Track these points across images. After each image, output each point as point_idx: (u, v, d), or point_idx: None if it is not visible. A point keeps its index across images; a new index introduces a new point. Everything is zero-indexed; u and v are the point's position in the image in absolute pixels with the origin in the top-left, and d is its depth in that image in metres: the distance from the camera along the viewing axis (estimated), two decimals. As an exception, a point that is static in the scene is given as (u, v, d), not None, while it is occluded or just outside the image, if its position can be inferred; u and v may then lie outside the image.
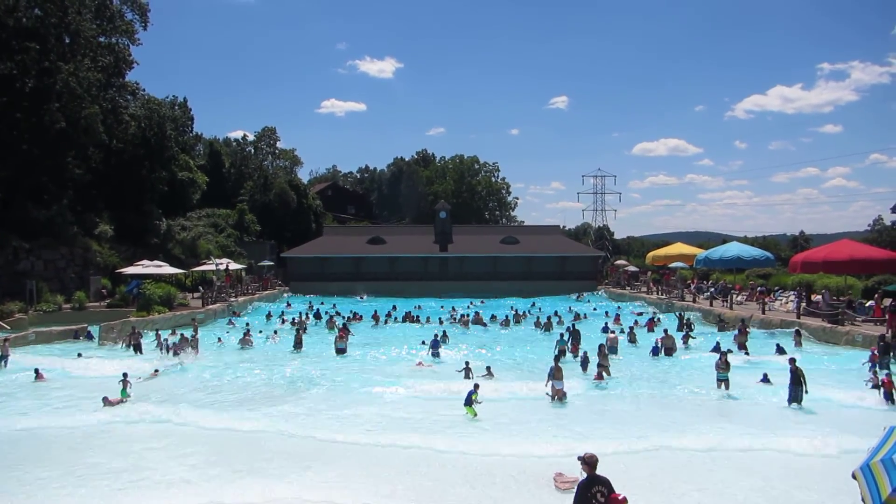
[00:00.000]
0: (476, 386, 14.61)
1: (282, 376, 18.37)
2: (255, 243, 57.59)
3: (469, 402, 14.22)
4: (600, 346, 19.78)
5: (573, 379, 17.05)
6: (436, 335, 24.69)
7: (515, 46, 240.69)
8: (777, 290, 36.43)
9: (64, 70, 35.08)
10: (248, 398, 16.13)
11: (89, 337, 26.21)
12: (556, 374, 16.20)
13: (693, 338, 25.22)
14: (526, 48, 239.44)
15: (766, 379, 17.85)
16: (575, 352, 22.87)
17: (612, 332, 26.20)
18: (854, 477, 5.81)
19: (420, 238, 56.70)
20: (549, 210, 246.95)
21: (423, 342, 24.54)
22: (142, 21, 42.75)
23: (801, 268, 28.73)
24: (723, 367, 16.69)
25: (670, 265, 44.52)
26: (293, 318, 33.42)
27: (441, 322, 31.69)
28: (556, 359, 17.55)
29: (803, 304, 28.29)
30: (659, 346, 22.82)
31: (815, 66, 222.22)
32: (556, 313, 34.69)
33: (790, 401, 14.96)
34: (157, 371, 19.46)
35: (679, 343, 24.03)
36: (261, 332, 28.88)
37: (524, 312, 35.79)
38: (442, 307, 38.27)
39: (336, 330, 27.68)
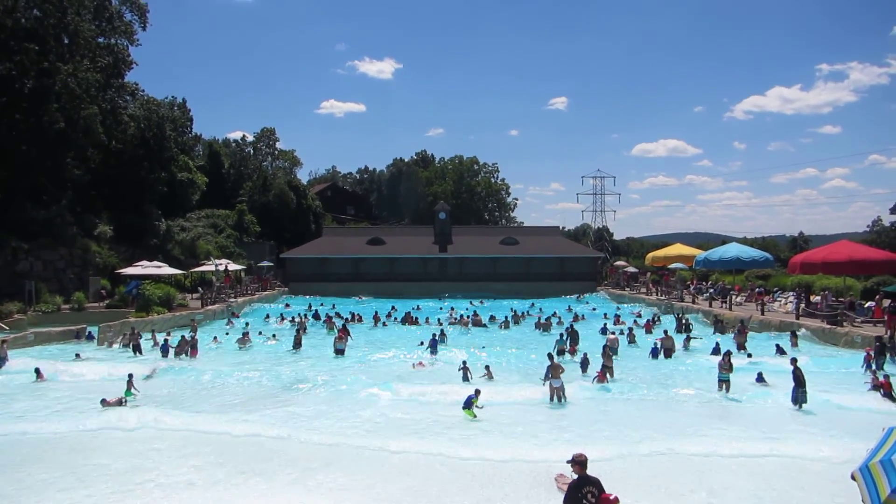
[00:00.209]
0: (477, 391, 14.57)
1: (281, 378, 18.34)
2: (255, 244, 57.59)
3: (469, 405, 14.21)
4: (604, 346, 19.72)
5: (574, 382, 16.99)
6: (434, 336, 24.75)
7: (515, 47, 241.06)
8: (776, 290, 36.46)
9: (63, 71, 35.08)
10: (247, 400, 16.09)
11: (90, 338, 26.18)
12: (553, 372, 16.18)
13: (696, 338, 25.12)
14: (525, 49, 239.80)
15: (760, 378, 17.90)
16: (573, 352, 22.89)
17: (613, 332, 26.18)
18: (853, 478, 5.81)
19: (419, 239, 56.70)
20: (548, 211, 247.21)
21: (422, 343, 24.60)
22: (141, 22, 42.77)
23: (800, 269, 28.74)
24: (726, 367, 16.65)
25: (670, 266, 44.55)
26: (292, 317, 33.58)
27: (440, 322, 31.70)
28: (551, 357, 17.57)
29: (802, 305, 28.31)
30: (658, 347, 22.75)
31: (814, 67, 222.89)
32: (555, 314, 34.70)
33: (794, 402, 14.90)
34: (154, 370, 19.41)
35: (679, 345, 23.97)
36: (260, 332, 28.89)
37: (523, 313, 35.79)
38: (441, 308, 38.26)
39: (335, 331, 27.69)
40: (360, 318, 33.43)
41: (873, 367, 18.62)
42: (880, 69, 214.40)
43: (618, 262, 59.70)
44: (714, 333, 27.61)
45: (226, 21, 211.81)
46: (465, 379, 18.14)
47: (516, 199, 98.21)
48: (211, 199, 57.69)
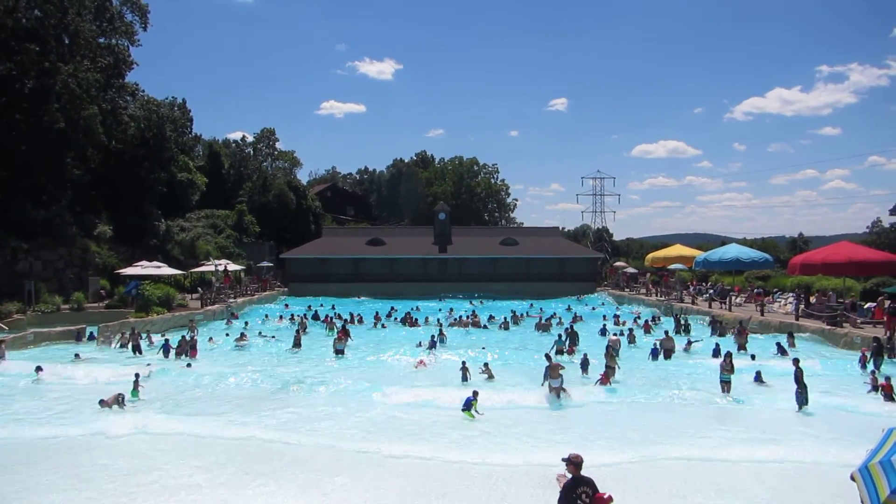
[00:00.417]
0: (475, 393, 14.58)
1: (281, 379, 18.31)
2: (254, 244, 57.59)
3: (468, 406, 14.22)
4: (607, 347, 19.66)
5: (575, 384, 16.96)
6: (433, 337, 24.80)
7: (515, 48, 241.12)
8: (776, 291, 36.48)
9: (63, 71, 35.07)
10: (247, 401, 16.03)
11: (91, 338, 26.16)
12: (552, 372, 16.17)
13: (696, 341, 25.03)
14: (525, 50, 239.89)
15: (758, 378, 17.93)
16: (571, 352, 22.88)
17: (615, 334, 26.08)
18: (852, 479, 5.81)
19: (419, 239, 56.70)
20: (548, 212, 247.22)
21: (420, 343, 24.66)
22: (141, 22, 42.76)
23: (799, 269, 28.74)
24: (727, 368, 16.63)
25: (669, 267, 44.54)
26: (291, 315, 33.56)
27: (439, 322, 31.75)
28: (549, 357, 17.57)
29: (802, 306, 28.32)
30: (658, 348, 22.71)
31: (813, 69, 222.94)
32: (554, 315, 34.70)
33: (798, 403, 14.86)
34: (149, 372, 19.31)
35: (680, 347, 23.90)
36: (261, 333, 28.90)
37: (522, 314, 35.81)
38: (440, 310, 38.26)
39: (335, 331, 27.72)
40: (361, 319, 33.45)
41: (871, 367, 18.65)
42: (880, 71, 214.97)
43: (617, 263, 59.68)
44: (712, 336, 27.55)
45: (226, 21, 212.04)
46: (465, 379, 18.16)
47: (516, 200, 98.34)
48: (211, 199, 57.68)
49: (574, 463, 7.03)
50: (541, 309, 38.03)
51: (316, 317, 34.47)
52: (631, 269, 53.43)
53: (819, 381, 16.97)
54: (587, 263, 55.35)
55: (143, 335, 25.49)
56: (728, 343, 23.67)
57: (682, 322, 29.74)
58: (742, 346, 23.62)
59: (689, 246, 51.18)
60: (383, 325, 31.77)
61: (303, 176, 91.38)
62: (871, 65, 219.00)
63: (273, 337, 27.73)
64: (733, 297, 34.33)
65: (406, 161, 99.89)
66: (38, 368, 18.73)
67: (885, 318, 22.70)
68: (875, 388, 16.38)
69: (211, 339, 26.28)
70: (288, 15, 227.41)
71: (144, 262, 35.12)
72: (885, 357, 19.75)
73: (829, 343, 24.02)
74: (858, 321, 24.79)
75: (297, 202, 65.39)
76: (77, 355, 22.05)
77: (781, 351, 22.47)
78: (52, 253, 34.95)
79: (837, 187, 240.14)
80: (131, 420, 13.63)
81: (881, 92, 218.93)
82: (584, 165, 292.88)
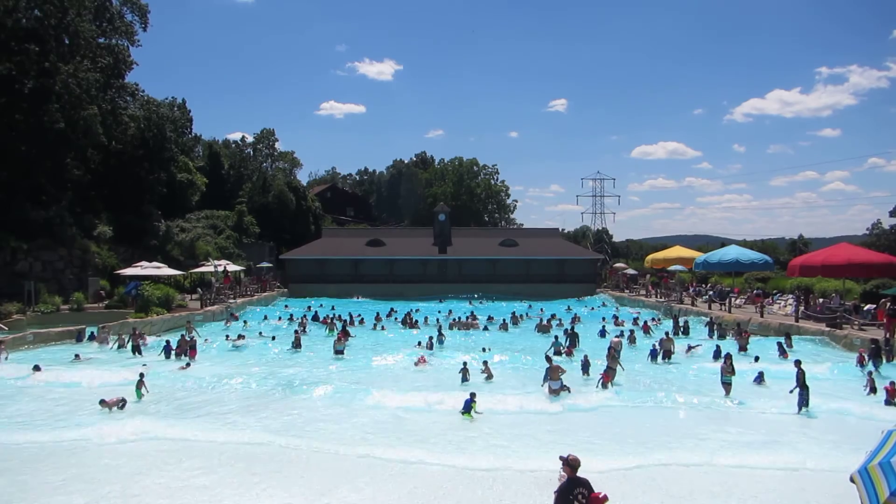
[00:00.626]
0: (473, 395, 14.59)
1: (281, 380, 18.29)
2: (254, 245, 57.64)
3: (468, 408, 14.24)
4: (609, 348, 19.67)
5: (576, 386, 16.94)
6: (430, 338, 24.93)
7: (515, 49, 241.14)
8: (776, 293, 36.50)
9: (63, 71, 35.11)
10: (247, 403, 15.95)
11: (91, 338, 26.15)
12: (552, 374, 16.17)
13: (698, 345, 24.95)
14: (525, 51, 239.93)
15: (760, 379, 17.94)
16: (570, 353, 22.85)
17: (617, 335, 25.98)
18: (852, 480, 5.81)
19: (419, 240, 56.73)
20: (548, 213, 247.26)
21: (420, 343, 24.75)
22: (141, 22, 42.84)
23: (799, 271, 28.78)
24: (728, 370, 16.64)
25: (669, 268, 44.57)
26: (290, 315, 33.52)
27: (438, 322, 31.78)
28: (549, 359, 17.48)
29: (801, 308, 28.34)
30: (657, 349, 22.71)
31: (813, 70, 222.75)
32: (553, 316, 34.70)
33: (800, 405, 14.87)
34: (144, 367, 19.28)
35: (681, 349, 23.85)
36: (261, 333, 28.91)
37: (522, 315, 35.81)
38: (439, 311, 38.26)
39: (335, 332, 27.69)
40: (363, 320, 33.47)
41: (869, 368, 18.65)
42: (880, 72, 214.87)
43: (617, 264, 59.74)
44: (711, 338, 27.49)
45: (226, 21, 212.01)
46: (465, 380, 18.17)
47: (516, 201, 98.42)
48: (210, 199, 57.74)
49: (570, 464, 6.99)
50: (541, 309, 38.01)
51: (316, 317, 34.48)
52: (631, 271, 53.49)
53: (820, 384, 16.96)
54: (587, 265, 55.38)
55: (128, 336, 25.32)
56: (728, 345, 23.66)
57: (682, 324, 29.73)
58: (743, 347, 23.62)
59: (688, 247, 51.29)
60: (383, 328, 31.78)
61: (302, 177, 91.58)
62: (871, 66, 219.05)
63: (273, 338, 27.72)
64: (733, 299, 34.35)
65: (406, 162, 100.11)
66: (36, 368, 18.71)
67: (885, 320, 22.70)
68: (873, 389, 16.42)
69: (206, 339, 26.23)
70: (288, 15, 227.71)
71: (144, 263, 35.14)
72: (884, 360, 19.77)
73: (829, 345, 24.01)
74: (858, 323, 24.80)
75: (296, 203, 65.44)
76: (77, 356, 22.05)
77: (782, 351, 22.48)
78: (51, 253, 34.97)
79: (837, 189, 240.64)
80: (132, 422, 13.60)
81: (881, 93, 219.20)
82: (583, 166, 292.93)
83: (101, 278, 35.47)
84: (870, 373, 17.73)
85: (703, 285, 43.48)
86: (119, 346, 24.42)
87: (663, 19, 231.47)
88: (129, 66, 42.55)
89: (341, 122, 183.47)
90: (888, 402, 15.21)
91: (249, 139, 77.06)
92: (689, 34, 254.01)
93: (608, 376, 17.63)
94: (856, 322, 24.81)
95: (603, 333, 28.46)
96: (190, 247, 47.11)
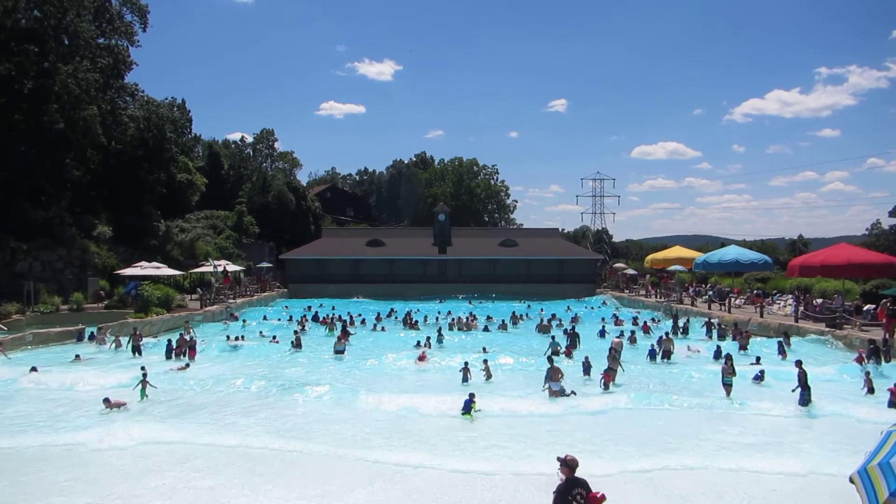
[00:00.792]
0: (472, 395, 14.60)
1: (281, 381, 18.28)
2: (254, 245, 57.64)
3: (468, 409, 14.26)
4: (610, 349, 19.64)
5: (576, 387, 16.91)
6: (428, 339, 25.01)
7: (514, 49, 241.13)
8: (775, 293, 36.51)
9: (63, 71, 35.11)
10: (247, 404, 15.91)
11: (92, 338, 26.14)
12: (552, 375, 16.15)
13: (698, 350, 24.90)
14: (525, 51, 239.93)
15: (759, 377, 17.97)
16: (569, 354, 22.82)
17: (618, 336, 25.94)
18: (851, 481, 5.82)
19: (419, 240, 56.74)
20: (547, 213, 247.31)
21: (419, 343, 24.81)
22: (141, 23, 42.85)
23: (799, 271, 28.76)
24: (729, 371, 16.63)
25: (669, 268, 44.58)
26: (290, 316, 33.50)
27: (438, 321, 31.79)
28: (550, 360, 17.43)
29: (801, 308, 28.34)
30: (657, 349, 22.69)
31: (813, 71, 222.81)
32: (553, 316, 34.70)
33: (801, 405, 14.88)
34: (142, 368, 19.27)
35: (679, 349, 23.84)
36: (261, 333, 28.90)
37: (522, 315, 35.82)
38: (439, 312, 38.27)
39: (335, 332, 27.68)
40: (364, 320, 33.47)
41: (867, 368, 18.66)
42: (879, 73, 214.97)
43: (617, 265, 59.74)
44: (710, 338, 27.47)
45: (226, 21, 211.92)
46: (465, 380, 18.20)
47: (516, 201, 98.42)
48: (210, 200, 57.74)
49: (568, 465, 6.96)
50: (541, 309, 37.99)
51: (316, 318, 34.48)
52: (630, 271, 53.50)
53: (821, 384, 16.95)
54: (587, 265, 55.40)
55: (126, 338, 25.27)
56: (729, 345, 23.64)
57: (681, 325, 29.73)
58: (743, 347, 23.62)
59: (688, 247, 51.27)
60: (383, 328, 31.77)
61: (302, 177, 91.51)
62: (871, 67, 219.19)
63: (273, 338, 27.71)
64: (732, 299, 34.35)
65: (406, 162, 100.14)
66: (33, 369, 18.69)
67: (885, 321, 22.70)
68: (870, 389, 16.44)
69: (203, 341, 26.17)
70: (288, 15, 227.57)
71: (144, 263, 35.13)
72: (883, 360, 19.77)
73: (829, 345, 24.00)
74: (858, 323, 24.80)
75: (296, 203, 65.44)
76: (78, 356, 22.04)
77: (782, 351, 22.49)
78: (51, 253, 34.96)
79: (837, 189, 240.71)
80: (133, 423, 13.61)
81: (880, 94, 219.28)
82: (583, 167, 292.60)
83: (100, 278, 35.46)
84: (867, 373, 17.73)
85: (703, 285, 43.50)
86: (116, 347, 24.35)
87: (663, 19, 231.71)
88: (129, 66, 42.57)
89: (341, 122, 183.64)
90: (891, 404, 15.13)
91: (249, 139, 77.11)
92: (689, 34, 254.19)
93: (609, 376, 17.64)
94: (856, 322, 24.80)
95: (603, 333, 28.46)
96: (190, 247, 47.11)
